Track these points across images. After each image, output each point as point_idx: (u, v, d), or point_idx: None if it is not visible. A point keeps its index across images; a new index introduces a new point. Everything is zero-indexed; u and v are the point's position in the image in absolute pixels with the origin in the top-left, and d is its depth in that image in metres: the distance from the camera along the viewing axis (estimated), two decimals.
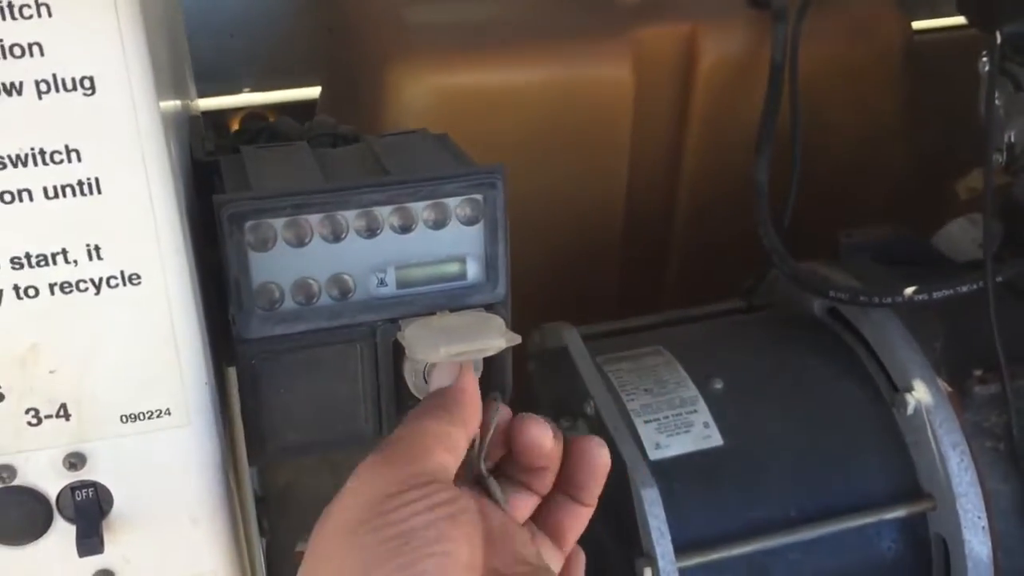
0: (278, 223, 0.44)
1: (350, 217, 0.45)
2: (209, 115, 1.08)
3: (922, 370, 0.80)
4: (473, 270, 0.47)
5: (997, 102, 0.86)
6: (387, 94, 0.90)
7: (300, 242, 0.45)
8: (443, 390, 0.44)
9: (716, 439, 0.79)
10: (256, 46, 1.07)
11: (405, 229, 0.46)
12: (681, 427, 0.80)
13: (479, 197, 0.46)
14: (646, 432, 0.79)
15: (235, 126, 1.10)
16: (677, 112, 1.01)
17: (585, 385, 0.82)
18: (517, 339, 0.45)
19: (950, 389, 0.80)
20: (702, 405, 0.81)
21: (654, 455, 0.78)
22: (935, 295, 0.79)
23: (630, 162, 1.02)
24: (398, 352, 0.48)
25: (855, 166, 1.05)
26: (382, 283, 0.47)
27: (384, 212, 0.46)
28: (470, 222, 0.47)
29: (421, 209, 0.46)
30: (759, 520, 0.77)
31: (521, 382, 0.91)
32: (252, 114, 1.08)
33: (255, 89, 1.10)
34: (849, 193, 1.06)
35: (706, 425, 0.80)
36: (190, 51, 0.96)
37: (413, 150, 0.52)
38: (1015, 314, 0.79)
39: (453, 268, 0.47)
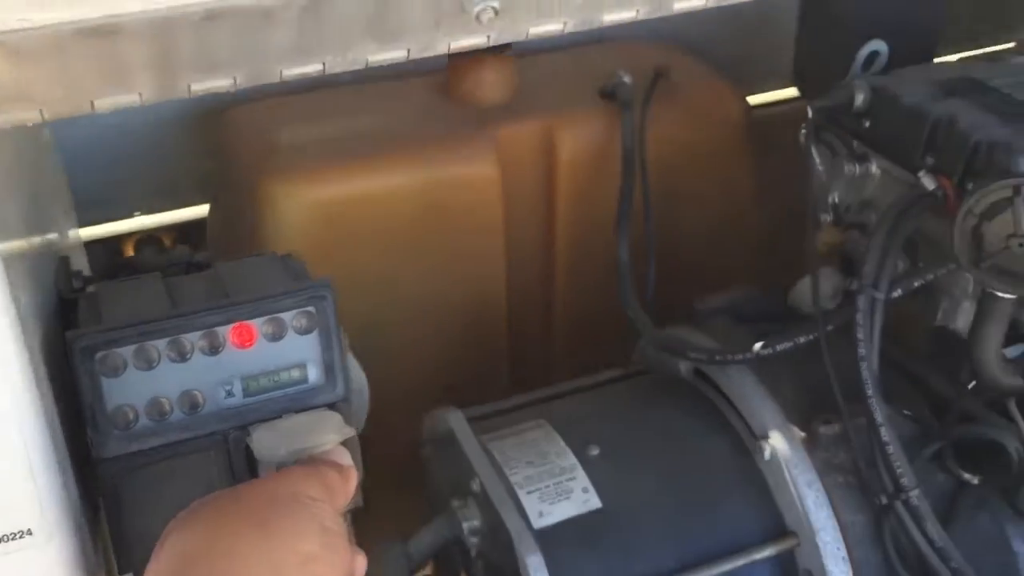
0: (127, 351, 0.50)
1: (194, 338, 0.51)
2: (103, 242, 1.13)
3: (775, 418, 0.87)
4: (313, 374, 0.53)
5: (819, 167, 0.96)
6: (264, 211, 0.96)
7: (149, 365, 0.50)
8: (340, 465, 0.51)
9: (595, 502, 0.85)
10: (144, 170, 1.12)
11: (246, 344, 0.52)
12: (562, 494, 0.85)
13: (312, 309, 0.52)
14: (529, 502, 0.84)
15: (130, 250, 1.15)
16: (545, 201, 1.09)
17: (471, 464, 0.87)
18: (351, 432, 0.51)
19: (803, 433, 0.87)
20: (580, 472, 0.86)
21: (538, 523, 0.83)
22: (778, 348, 0.87)
23: (506, 251, 1.09)
24: (252, 456, 0.53)
25: (714, 235, 1.14)
26: (230, 394, 0.52)
27: (225, 331, 0.51)
28: (306, 331, 0.53)
29: (260, 324, 0.52)
30: (641, 574, 0.83)
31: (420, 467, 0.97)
32: (146, 237, 1.13)
33: (147, 211, 1.15)
34: (712, 260, 1.14)
35: (585, 490, 0.85)
36: (77, 181, 1.01)
37: (254, 272, 0.58)
38: (852, 358, 0.86)
39: (295, 374, 0.53)
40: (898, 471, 0.81)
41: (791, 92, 1.20)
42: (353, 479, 0.51)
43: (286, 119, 1.04)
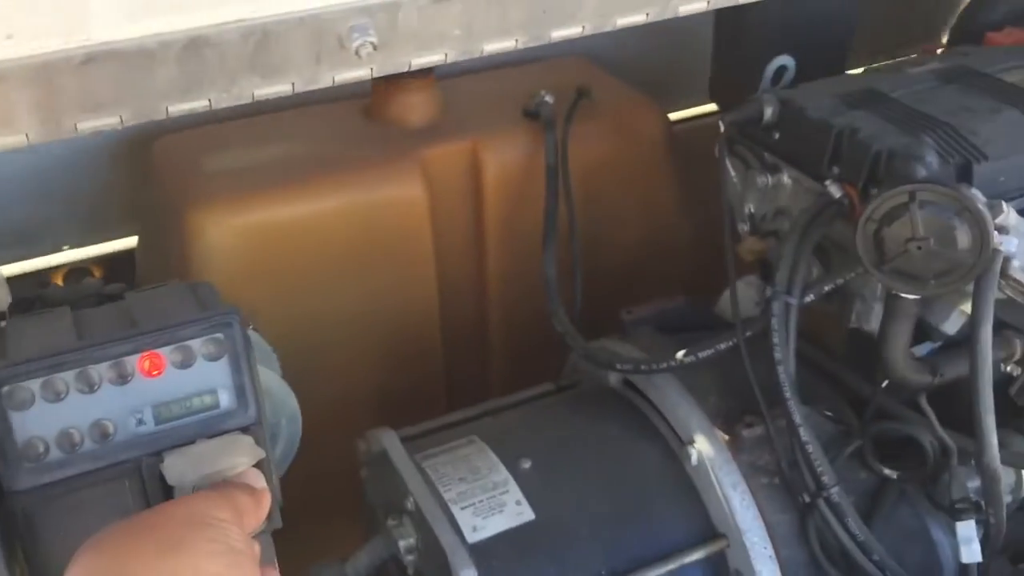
0: (34, 384, 0.50)
1: (102, 369, 0.51)
2: (32, 276, 1.12)
3: (700, 423, 0.89)
4: (225, 399, 0.54)
5: (734, 179, 0.98)
6: (192, 238, 0.97)
7: (58, 397, 0.51)
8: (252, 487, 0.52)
9: (528, 514, 0.86)
10: (72, 203, 1.11)
11: (155, 372, 0.52)
12: (495, 508, 0.86)
13: (220, 336, 0.53)
14: (463, 517, 0.85)
15: (59, 283, 1.14)
16: (473, 220, 1.11)
17: (404, 482, 0.88)
18: (261, 454, 0.52)
19: (727, 436, 0.89)
20: (513, 485, 0.88)
21: (472, 538, 0.84)
22: (700, 355, 0.89)
23: (438, 269, 1.10)
24: (167, 482, 0.53)
25: (641, 248, 1.16)
26: (141, 422, 0.53)
27: (133, 360, 0.52)
28: (215, 358, 0.53)
29: (168, 352, 0.53)
30: None
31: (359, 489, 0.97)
32: (74, 270, 1.13)
33: (76, 245, 1.14)
34: (641, 272, 1.17)
35: (518, 503, 0.87)
36: (1, 216, 1.00)
37: (163, 301, 0.58)
38: (772, 363, 0.88)
39: (206, 400, 0.54)
40: (818, 469, 0.83)
41: (712, 107, 1.24)
42: (265, 501, 0.52)
43: (212, 147, 1.04)
